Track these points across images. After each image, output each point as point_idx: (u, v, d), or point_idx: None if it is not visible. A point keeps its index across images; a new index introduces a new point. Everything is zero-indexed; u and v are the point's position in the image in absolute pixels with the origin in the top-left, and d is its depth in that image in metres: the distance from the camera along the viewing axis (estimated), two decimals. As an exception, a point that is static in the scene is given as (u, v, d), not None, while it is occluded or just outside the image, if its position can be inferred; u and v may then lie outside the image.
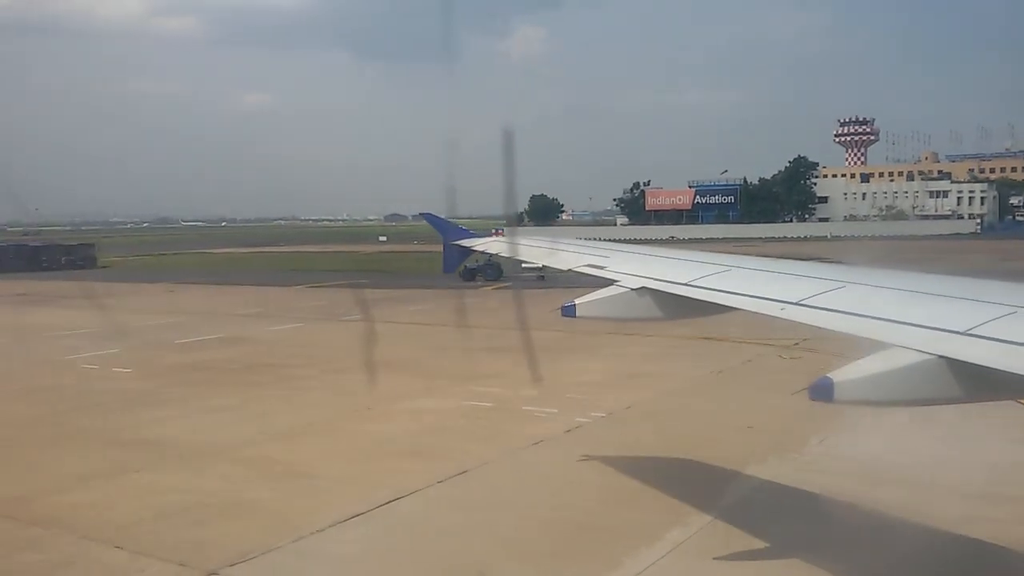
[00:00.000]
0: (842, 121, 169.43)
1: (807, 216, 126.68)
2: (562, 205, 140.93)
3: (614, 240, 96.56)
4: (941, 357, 4.91)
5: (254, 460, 14.15)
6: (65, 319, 34.18)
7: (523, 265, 31.35)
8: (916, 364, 4.93)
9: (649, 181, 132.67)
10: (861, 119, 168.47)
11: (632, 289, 7.90)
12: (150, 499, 12.14)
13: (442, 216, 12.84)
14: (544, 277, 38.06)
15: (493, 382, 19.79)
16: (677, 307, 7.78)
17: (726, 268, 7.88)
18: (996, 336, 4.94)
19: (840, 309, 6.05)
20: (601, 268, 8.88)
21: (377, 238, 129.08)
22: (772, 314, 6.42)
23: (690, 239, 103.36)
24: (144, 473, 13.51)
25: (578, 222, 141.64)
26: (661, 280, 7.87)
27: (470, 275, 44.85)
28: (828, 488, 11.97)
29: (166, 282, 52.77)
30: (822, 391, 4.90)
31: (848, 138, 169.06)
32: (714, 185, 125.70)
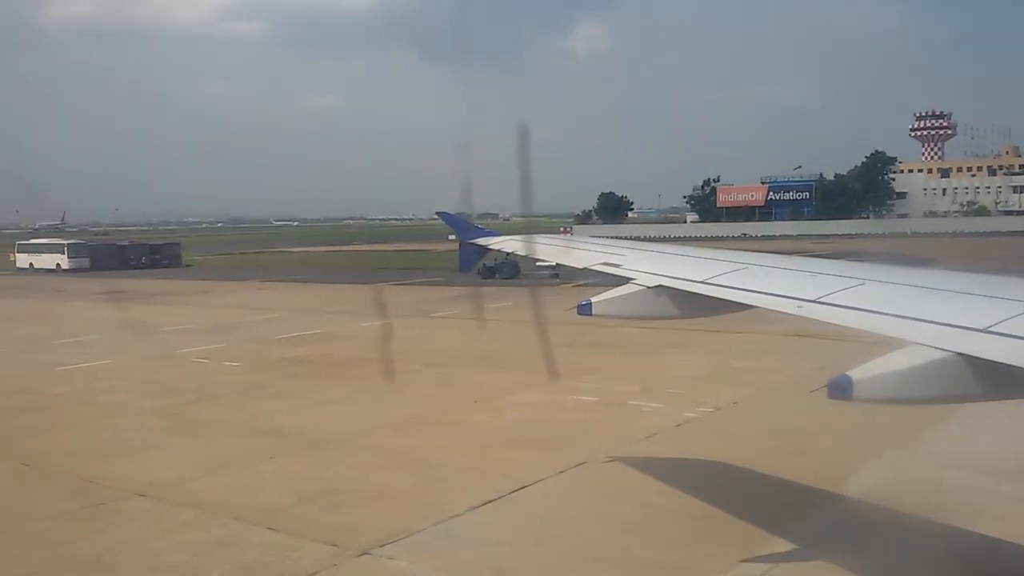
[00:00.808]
0: (918, 115, 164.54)
1: (885, 212, 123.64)
2: (631, 203, 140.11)
3: (684, 239, 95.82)
4: (960, 354, 4.86)
5: (377, 449, 14.73)
6: (166, 315, 35.66)
7: (537, 263, 31.51)
8: (935, 362, 4.90)
9: (719, 177, 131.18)
10: (938, 113, 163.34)
11: (648, 287, 7.91)
12: (289, 485, 12.79)
13: (458, 213, 12.90)
14: (558, 275, 38.11)
15: (591, 377, 20.09)
16: (693, 305, 7.74)
17: (742, 266, 7.91)
18: (1016, 333, 4.90)
19: (858, 306, 6.03)
20: (617, 266, 8.91)
21: (447, 236, 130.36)
22: (789, 312, 6.39)
23: (763, 236, 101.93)
24: (277, 460, 14.19)
25: (647, 220, 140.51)
26: (677, 278, 7.88)
27: (489, 273, 45.63)
28: (955, 484, 11.95)
29: (253, 280, 54.42)
30: (840, 389, 4.85)
31: (924, 132, 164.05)
32: (788, 181, 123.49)
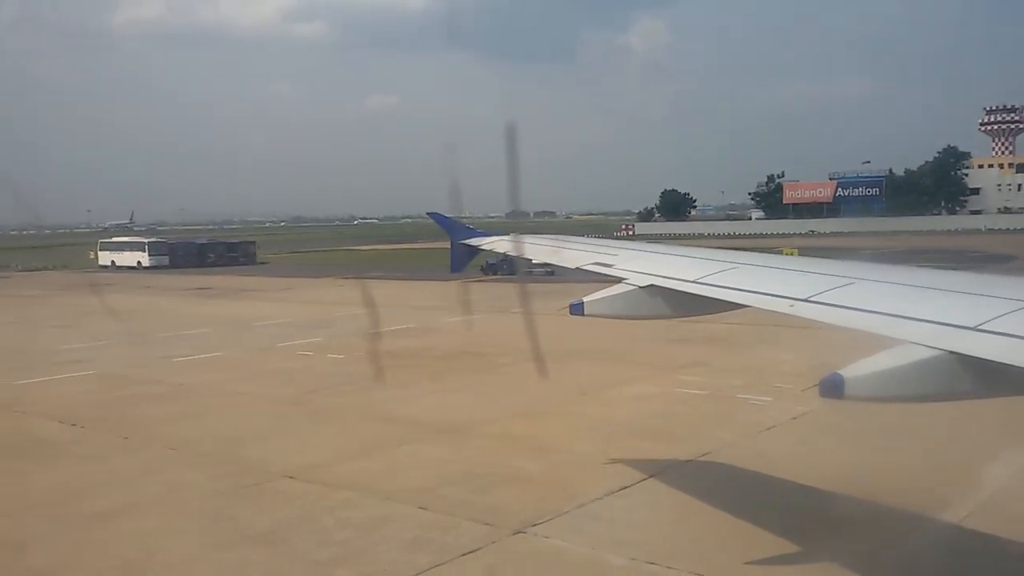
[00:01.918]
0: (988, 109, 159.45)
1: (958, 209, 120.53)
2: (694, 200, 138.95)
3: (750, 236, 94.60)
4: (952, 353, 4.87)
5: (503, 436, 15.25)
6: (258, 310, 36.83)
7: (533, 261, 31.61)
8: (926, 360, 4.90)
9: (784, 173, 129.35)
10: (1009, 107, 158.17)
11: (640, 287, 7.91)
12: (429, 469, 13.38)
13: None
14: (553, 272, 38.35)
15: (693, 371, 20.37)
16: (685, 305, 7.76)
17: (734, 265, 7.87)
18: (1007, 331, 4.90)
19: (849, 305, 6.03)
20: (609, 266, 8.91)
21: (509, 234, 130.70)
22: (781, 311, 6.40)
23: (831, 233, 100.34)
24: (411, 446, 14.82)
25: (710, 217, 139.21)
26: (669, 277, 7.87)
27: (491, 270, 46.43)
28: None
29: (330, 277, 55.60)
30: (832, 388, 4.84)
31: (995, 127, 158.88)
32: (857, 177, 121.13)
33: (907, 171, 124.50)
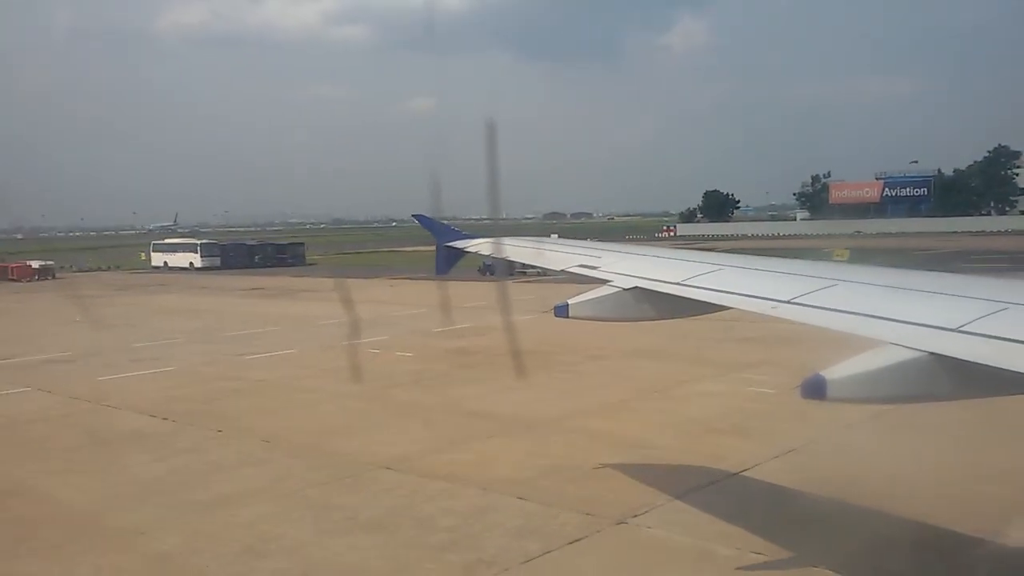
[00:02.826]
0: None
1: (1007, 209, 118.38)
2: (737, 200, 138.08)
3: (794, 237, 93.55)
4: (933, 354, 4.90)
5: (585, 431, 15.53)
6: (317, 310, 37.44)
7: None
8: (908, 361, 4.93)
9: (830, 173, 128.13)
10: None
11: (624, 289, 7.90)
12: (519, 461, 13.71)
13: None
14: (545, 272, 38.32)
15: (759, 370, 20.47)
16: (670, 306, 7.75)
17: (718, 267, 7.89)
18: (987, 332, 4.94)
19: (831, 307, 6.07)
20: (593, 268, 8.89)
21: (550, 235, 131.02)
22: (764, 312, 6.44)
23: (878, 233, 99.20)
24: (496, 440, 15.17)
25: (754, 218, 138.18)
26: (653, 279, 7.86)
27: (487, 270, 46.61)
28: None
29: (381, 278, 56.26)
30: (815, 389, 4.87)
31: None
32: (904, 177, 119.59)
33: (956, 171, 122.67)
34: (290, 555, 10.19)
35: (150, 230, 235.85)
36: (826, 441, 14.31)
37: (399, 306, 38.42)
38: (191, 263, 72.92)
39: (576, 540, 10.32)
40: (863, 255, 56.64)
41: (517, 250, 11.12)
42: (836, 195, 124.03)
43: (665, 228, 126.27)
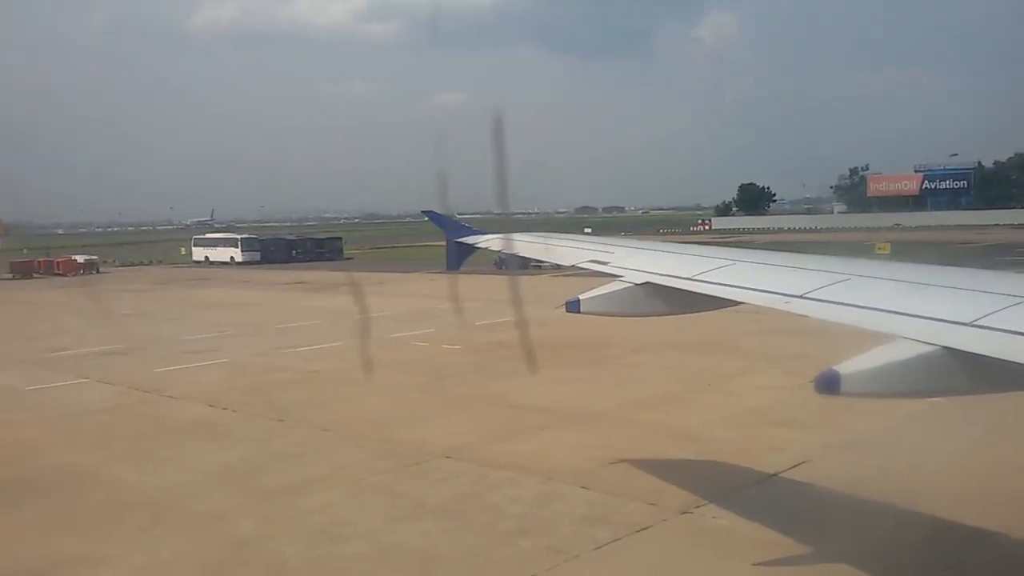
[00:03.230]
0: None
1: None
2: (774, 194, 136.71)
3: (832, 230, 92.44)
4: (947, 348, 4.89)
5: (639, 424, 15.67)
6: (365, 303, 37.84)
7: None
8: (922, 356, 4.92)
9: (868, 166, 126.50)
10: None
11: (636, 284, 7.92)
12: (577, 452, 13.87)
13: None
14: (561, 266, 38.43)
15: (802, 361, 20.25)
16: (682, 302, 7.75)
17: (730, 262, 7.88)
18: (1002, 327, 4.91)
19: (845, 302, 6.05)
20: (604, 264, 8.90)
21: (583, 230, 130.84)
22: (777, 307, 6.44)
23: (918, 226, 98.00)
24: (551, 431, 15.37)
25: (790, 211, 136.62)
26: (665, 275, 7.87)
27: (502, 264, 46.60)
28: None
29: (420, 272, 56.65)
30: (828, 384, 4.88)
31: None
32: (944, 170, 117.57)
33: (996, 163, 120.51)
34: (364, 540, 10.47)
35: (187, 225, 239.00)
36: (883, 433, 14.31)
37: (439, 300, 38.68)
38: (232, 258, 73.94)
39: (643, 529, 10.48)
40: (905, 249, 56.17)
41: (527, 246, 11.20)
42: (874, 188, 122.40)
43: (700, 221, 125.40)
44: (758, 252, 8.59)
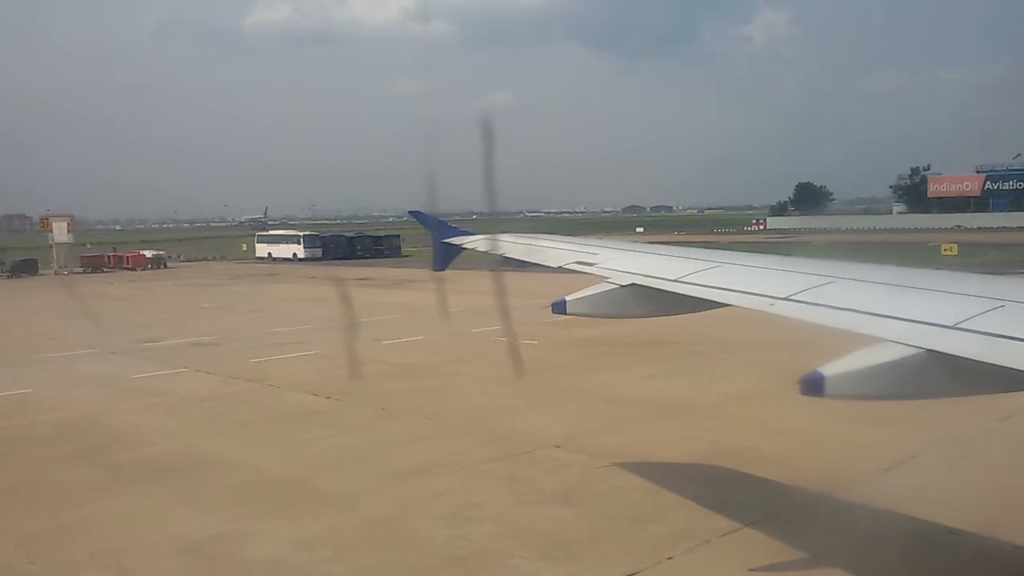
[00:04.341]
0: None
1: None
2: (831, 193, 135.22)
3: (890, 231, 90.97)
4: (931, 351, 4.92)
5: (736, 417, 15.97)
6: (429, 299, 38.43)
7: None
8: (906, 358, 4.95)
9: (929, 166, 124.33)
10: None
11: (622, 286, 7.90)
12: (679, 444, 14.27)
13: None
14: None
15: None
16: (667, 303, 7.75)
17: (715, 264, 7.88)
18: (984, 330, 4.94)
19: (829, 304, 6.08)
20: (590, 265, 8.89)
21: (634, 229, 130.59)
22: (762, 309, 6.44)
23: (979, 228, 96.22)
24: (649, 424, 15.75)
25: (847, 211, 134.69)
26: (651, 276, 7.85)
27: (506, 262, 46.14)
28: None
29: (477, 269, 57.22)
30: (812, 385, 4.94)
31: None
32: (1008, 170, 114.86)
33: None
34: (495, 521, 10.95)
35: (241, 222, 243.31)
36: (983, 431, 14.41)
37: (513, 297, 39.12)
38: (294, 254, 75.40)
39: (763, 519, 10.80)
40: (969, 250, 55.30)
41: (512, 247, 11.30)
42: (934, 188, 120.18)
43: (755, 221, 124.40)
44: (744, 255, 8.64)
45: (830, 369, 4.99)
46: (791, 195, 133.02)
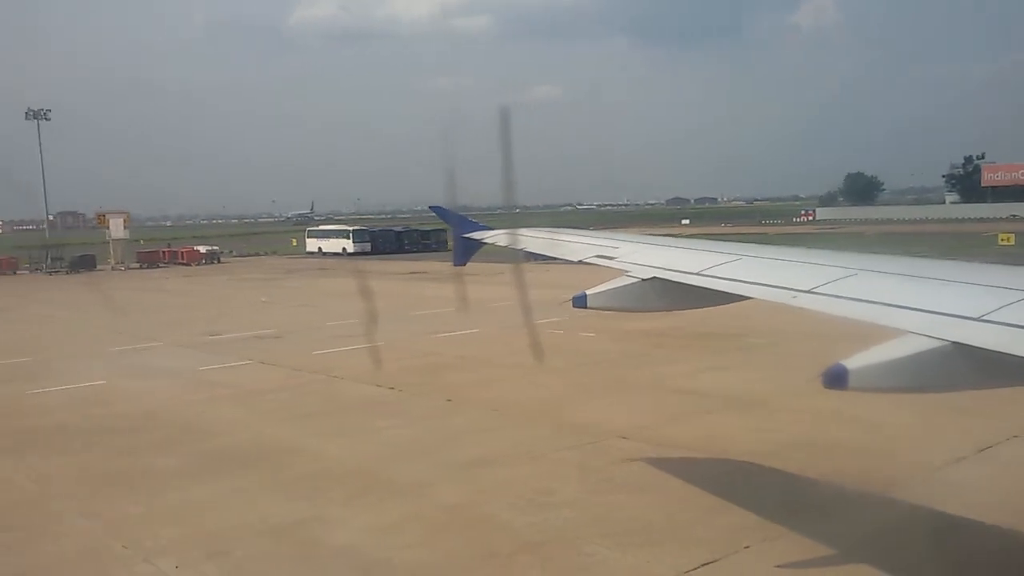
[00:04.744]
0: None
1: None
2: (882, 183, 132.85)
3: (943, 221, 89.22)
4: (955, 343, 4.84)
5: (808, 410, 15.76)
6: (481, 292, 38.40)
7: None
8: (930, 351, 4.88)
9: (984, 154, 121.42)
10: None
11: (643, 279, 7.89)
12: (752, 435, 14.22)
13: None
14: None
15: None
16: (688, 297, 7.72)
17: (737, 257, 7.78)
18: (1010, 321, 4.85)
19: (852, 296, 6.00)
20: (611, 259, 8.84)
21: (680, 221, 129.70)
22: (784, 302, 6.38)
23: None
24: (719, 415, 15.75)
25: (899, 201, 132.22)
26: (672, 270, 7.80)
27: (531, 255, 45.51)
28: None
29: (529, 262, 57.38)
30: (836, 378, 4.87)
31: None
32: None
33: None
34: (571, 508, 11.07)
35: (288, 218, 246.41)
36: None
37: (556, 289, 38.92)
38: (344, 248, 76.38)
39: (844, 508, 10.78)
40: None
41: (533, 241, 11.37)
42: (989, 178, 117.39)
43: (803, 212, 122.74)
44: (765, 248, 8.63)
45: (853, 362, 4.96)
46: (840, 185, 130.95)
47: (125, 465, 13.89)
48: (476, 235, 11.86)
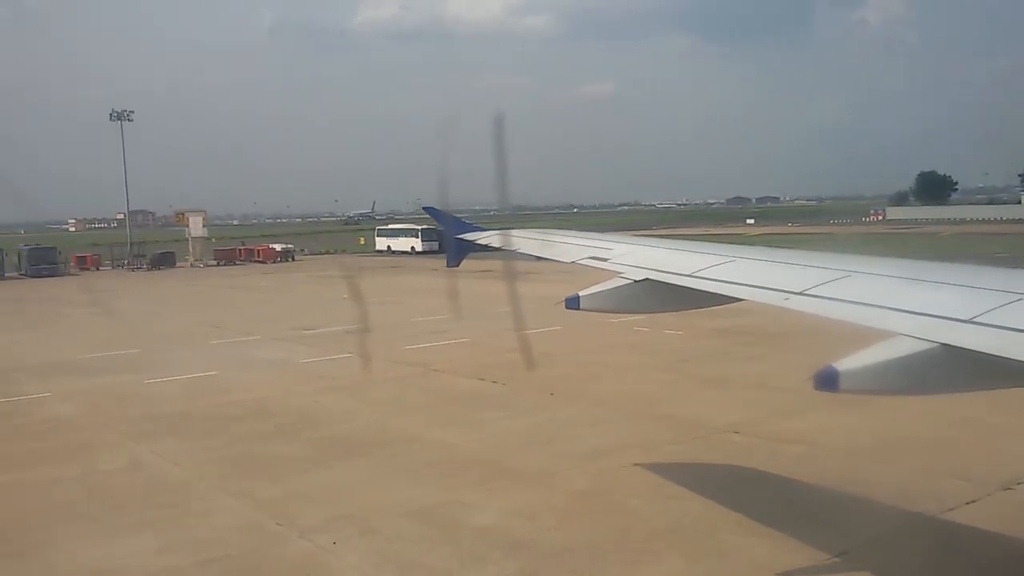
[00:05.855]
0: None
1: None
2: (955, 182, 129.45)
3: (1019, 222, 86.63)
4: (946, 345, 4.84)
5: (913, 408, 15.78)
6: (553, 290, 38.33)
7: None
8: (921, 353, 4.87)
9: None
10: None
11: (636, 281, 7.88)
12: (858, 433, 14.29)
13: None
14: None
15: None
16: (681, 298, 7.70)
17: (730, 259, 7.78)
18: (1000, 324, 4.84)
19: (844, 298, 5.99)
20: (604, 260, 8.82)
21: (744, 221, 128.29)
22: (776, 304, 6.36)
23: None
24: (825, 412, 15.72)
25: (970, 200, 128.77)
26: (665, 271, 7.81)
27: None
28: None
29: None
30: (827, 380, 4.90)
31: None
32: None
33: None
34: (697, 498, 11.42)
35: (350, 217, 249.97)
36: None
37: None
38: (412, 247, 77.54)
39: (968, 503, 10.92)
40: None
41: (526, 242, 11.42)
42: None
43: (873, 212, 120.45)
44: (758, 249, 8.66)
45: (844, 364, 5.00)
46: (911, 184, 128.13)
47: (253, 450, 14.65)
48: (469, 236, 11.95)
